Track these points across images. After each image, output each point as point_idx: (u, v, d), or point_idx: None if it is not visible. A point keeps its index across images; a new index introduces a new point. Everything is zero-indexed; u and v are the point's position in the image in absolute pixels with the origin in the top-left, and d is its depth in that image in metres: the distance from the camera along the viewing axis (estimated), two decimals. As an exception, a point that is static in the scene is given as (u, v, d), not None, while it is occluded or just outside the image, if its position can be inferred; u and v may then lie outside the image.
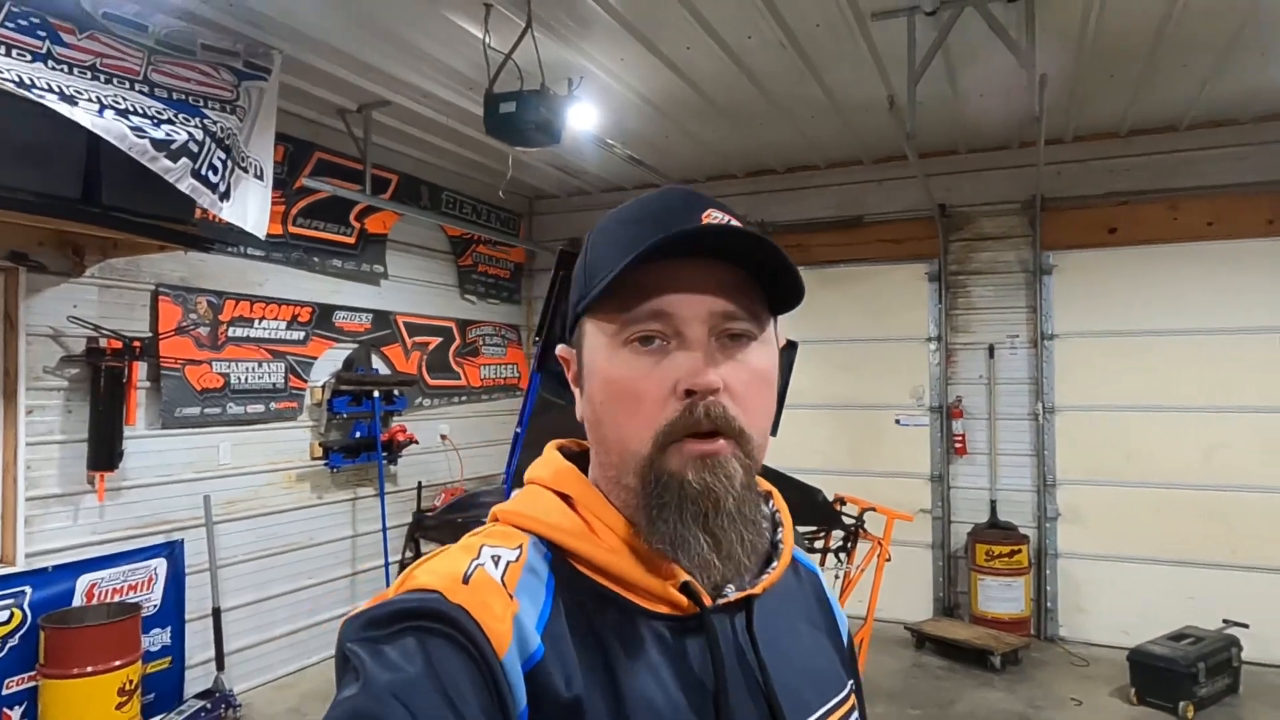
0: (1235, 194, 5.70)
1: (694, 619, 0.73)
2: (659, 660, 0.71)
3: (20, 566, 4.01)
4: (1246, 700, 4.91)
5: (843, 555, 4.80)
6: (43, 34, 3.35)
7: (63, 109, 3.17)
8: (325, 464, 5.61)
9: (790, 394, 3.11)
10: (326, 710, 0.62)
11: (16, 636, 3.88)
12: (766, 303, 0.76)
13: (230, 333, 5.02)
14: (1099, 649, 5.77)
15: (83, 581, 4.19)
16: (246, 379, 5.12)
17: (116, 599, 4.29)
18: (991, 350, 6.33)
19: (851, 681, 0.88)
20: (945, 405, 6.43)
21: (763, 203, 6.81)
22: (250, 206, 4.09)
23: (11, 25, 3.25)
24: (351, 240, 5.95)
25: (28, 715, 3.89)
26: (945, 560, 6.41)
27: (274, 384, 5.31)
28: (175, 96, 3.75)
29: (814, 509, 4.58)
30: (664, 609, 0.73)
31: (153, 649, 4.45)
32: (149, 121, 3.46)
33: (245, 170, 4.06)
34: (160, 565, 4.56)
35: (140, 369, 4.49)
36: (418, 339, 6.57)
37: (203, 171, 3.67)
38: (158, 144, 3.43)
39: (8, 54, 3.21)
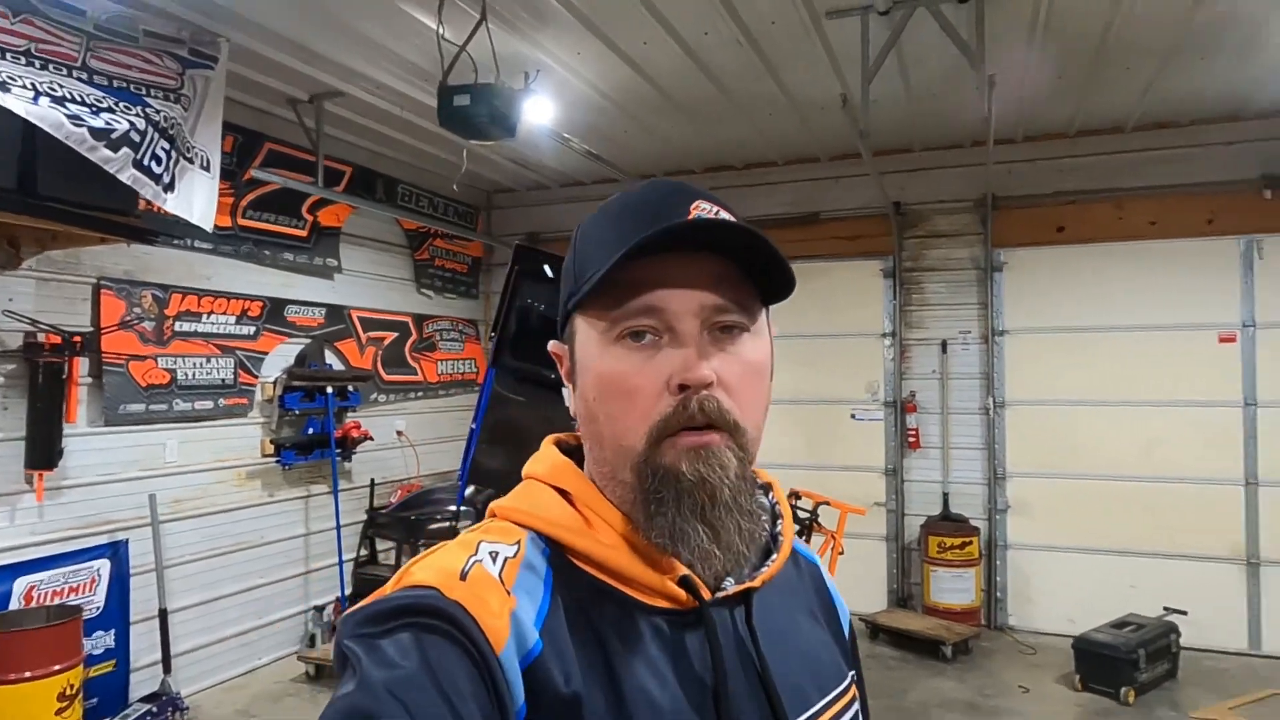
0: (1177, 194, 5.87)
1: (693, 613, 0.73)
2: (658, 655, 0.71)
3: (-47, 569, 3.88)
4: (1184, 685, 5.07)
5: (798, 549, 4.85)
6: (-27, 17, 3.23)
7: (-5, 95, 3.06)
8: (277, 461, 5.50)
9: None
10: (324, 707, 0.61)
11: (-51, 642, 3.75)
12: (758, 294, 0.76)
13: (177, 327, 4.89)
14: (1046, 637, 5.92)
15: (20, 584, 4.06)
16: (194, 375, 5.00)
17: (57, 601, 4.16)
18: (944, 346, 6.44)
19: (853, 673, 0.87)
20: (899, 400, 6.53)
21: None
22: (196, 198, 3.99)
23: (-61, 7, 3.12)
24: (304, 233, 5.84)
25: (-38, 723, 3.76)
26: (899, 552, 6.52)
27: (223, 380, 5.19)
28: (116, 84, 3.63)
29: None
30: (663, 603, 0.73)
31: (95, 652, 4.33)
32: (87, 110, 3.35)
33: (191, 161, 3.96)
34: (103, 566, 4.43)
35: (81, 365, 4.35)
36: (373, 334, 6.48)
37: (145, 162, 3.57)
38: (96, 133, 3.32)
39: (-65, 37, 3.09)
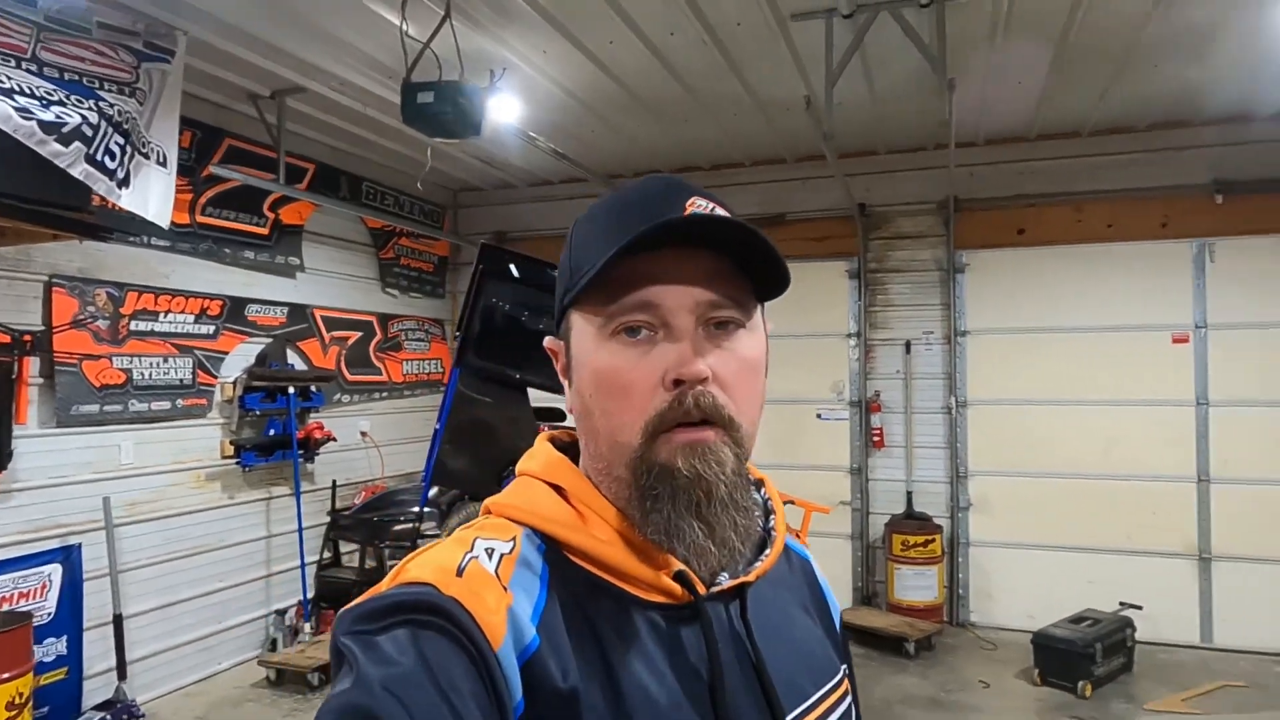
0: (1132, 198, 6.00)
1: (688, 607, 0.73)
2: (655, 649, 0.71)
3: (-104, 576, 3.75)
4: (1139, 678, 5.19)
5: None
6: (-84, 6, 3.13)
7: (-61, 87, 2.97)
8: (237, 463, 5.41)
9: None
10: (320, 705, 0.60)
11: (-109, 650, 3.63)
12: (753, 290, 0.76)
13: (133, 326, 4.79)
14: (1006, 633, 6.01)
15: (-33, 590, 3.95)
16: (151, 375, 4.89)
17: (5, 608, 4.05)
18: (908, 346, 6.52)
19: (845, 667, 0.88)
20: (864, 400, 6.60)
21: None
22: (152, 194, 3.91)
23: (-120, -5, 3.02)
24: (265, 231, 5.75)
25: (-96, 734, 3.65)
26: (864, 550, 6.58)
27: (181, 380, 5.09)
28: (67, 77, 3.54)
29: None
30: (658, 598, 0.73)
31: (46, 659, 4.22)
32: (37, 103, 3.26)
33: (146, 156, 3.87)
34: (55, 571, 4.32)
35: (32, 364, 4.24)
36: (336, 333, 6.40)
37: (98, 157, 3.48)
38: (46, 126, 3.24)
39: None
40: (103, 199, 3.73)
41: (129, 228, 4.61)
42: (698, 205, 0.75)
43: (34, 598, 4.20)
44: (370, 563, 5.97)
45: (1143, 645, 5.36)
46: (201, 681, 5.16)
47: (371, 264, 6.90)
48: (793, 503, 4.84)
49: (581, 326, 0.76)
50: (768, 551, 0.81)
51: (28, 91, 3.28)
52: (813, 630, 0.87)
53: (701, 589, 0.74)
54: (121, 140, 3.63)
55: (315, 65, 4.67)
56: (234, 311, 5.47)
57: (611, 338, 0.73)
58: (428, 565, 0.69)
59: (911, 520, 6.25)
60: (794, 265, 0.76)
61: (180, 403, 5.08)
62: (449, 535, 0.76)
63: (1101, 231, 6.07)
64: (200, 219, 5.23)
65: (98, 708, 4.39)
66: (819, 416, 6.73)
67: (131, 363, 4.78)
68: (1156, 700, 4.87)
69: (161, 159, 3.98)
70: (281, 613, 5.69)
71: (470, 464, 4.51)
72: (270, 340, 5.75)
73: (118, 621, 4.57)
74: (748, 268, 0.75)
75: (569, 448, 0.83)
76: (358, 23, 4.15)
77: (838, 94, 4.44)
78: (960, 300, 6.40)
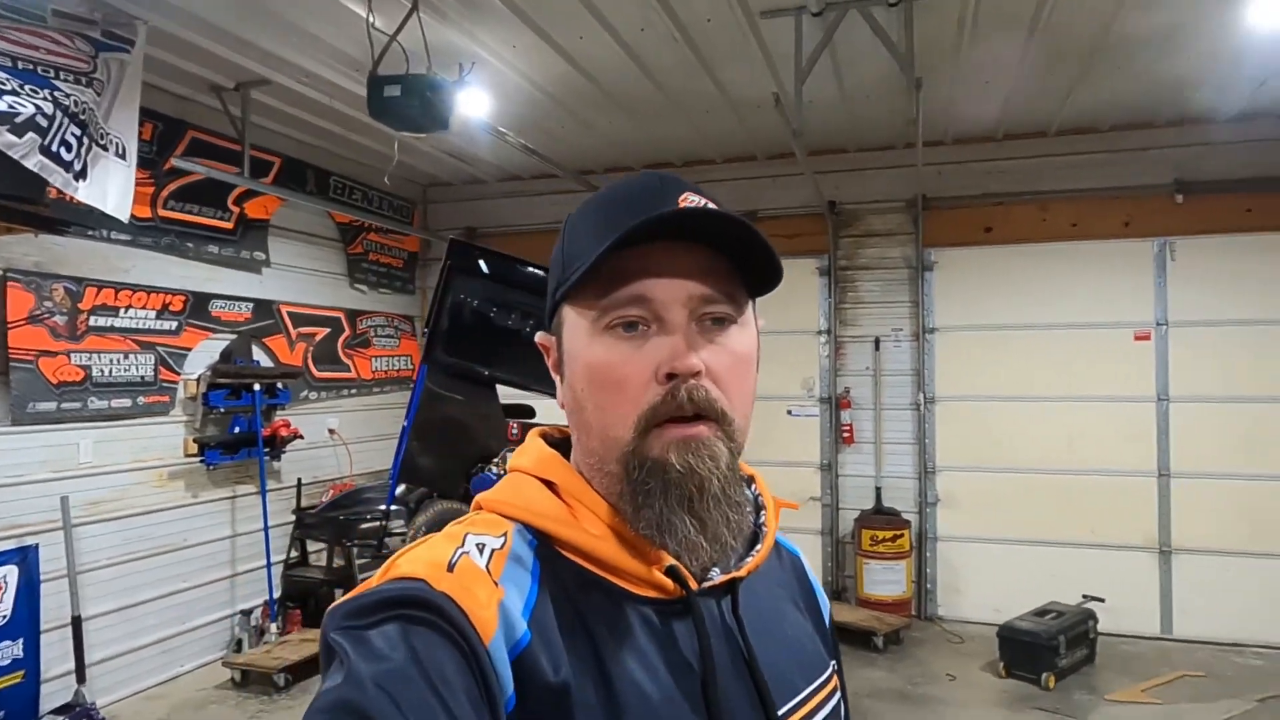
0: (1096, 197, 6.10)
1: (680, 603, 0.73)
2: (647, 644, 0.71)
3: None
4: (1101, 669, 5.28)
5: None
6: None
7: (-116, 74, 2.87)
8: (201, 461, 5.32)
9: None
10: (310, 702, 0.60)
11: None
12: (745, 286, 0.76)
13: (92, 322, 4.68)
14: (973, 626, 6.09)
15: (-82, 593, 3.85)
16: (111, 371, 4.79)
17: (-42, 611, 3.95)
18: (877, 343, 6.57)
19: (834, 662, 0.88)
20: (834, 396, 6.64)
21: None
22: (111, 187, 3.83)
23: None
24: (230, 225, 5.65)
25: None
26: (834, 546, 6.63)
27: (142, 377, 4.99)
28: (21, 66, 3.45)
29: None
30: (650, 593, 0.73)
31: (2, 663, 4.12)
32: (-11, 92, 3.18)
33: (105, 148, 3.79)
34: (10, 573, 4.21)
35: (-15, 361, 4.14)
36: (303, 329, 6.31)
37: (54, 148, 3.40)
38: (-1, 117, 3.15)
39: None
40: (59, 191, 3.65)
41: (87, 221, 4.51)
42: (691, 200, 0.75)
43: (-12, 600, 4.11)
44: (338, 562, 5.90)
45: (1105, 637, 5.46)
46: (164, 684, 5.07)
47: (339, 259, 6.81)
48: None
49: (574, 320, 0.75)
50: (759, 547, 0.82)
51: (-21, 80, 3.19)
52: (803, 626, 0.87)
53: (694, 584, 0.74)
54: (78, 131, 3.55)
55: (280, 57, 4.59)
56: (197, 307, 5.37)
57: (605, 332, 0.73)
58: (419, 560, 0.68)
59: (880, 515, 6.31)
60: (765, 262, 0.76)
61: (142, 400, 4.98)
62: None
63: (1066, 230, 6.16)
64: (162, 213, 5.13)
65: (56, 712, 4.30)
66: (790, 413, 6.77)
67: (91, 359, 4.67)
68: (1117, 691, 4.96)
69: (121, 151, 3.89)
70: (247, 613, 5.61)
71: (438, 461, 4.48)
72: (235, 336, 5.66)
73: (76, 623, 4.48)
74: (740, 263, 0.75)
75: (561, 444, 0.83)
76: (323, 14, 4.09)
77: (808, 92, 4.46)
78: (929, 298, 6.47)
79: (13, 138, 3.20)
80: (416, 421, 4.30)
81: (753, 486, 0.88)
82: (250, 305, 5.81)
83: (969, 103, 5.49)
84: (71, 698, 4.41)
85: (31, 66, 3.49)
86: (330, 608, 0.67)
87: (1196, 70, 4.87)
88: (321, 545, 6.06)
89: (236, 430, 5.55)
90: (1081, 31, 4.40)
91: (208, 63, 4.65)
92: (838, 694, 0.86)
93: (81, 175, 3.59)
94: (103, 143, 3.76)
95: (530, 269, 4.59)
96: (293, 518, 5.97)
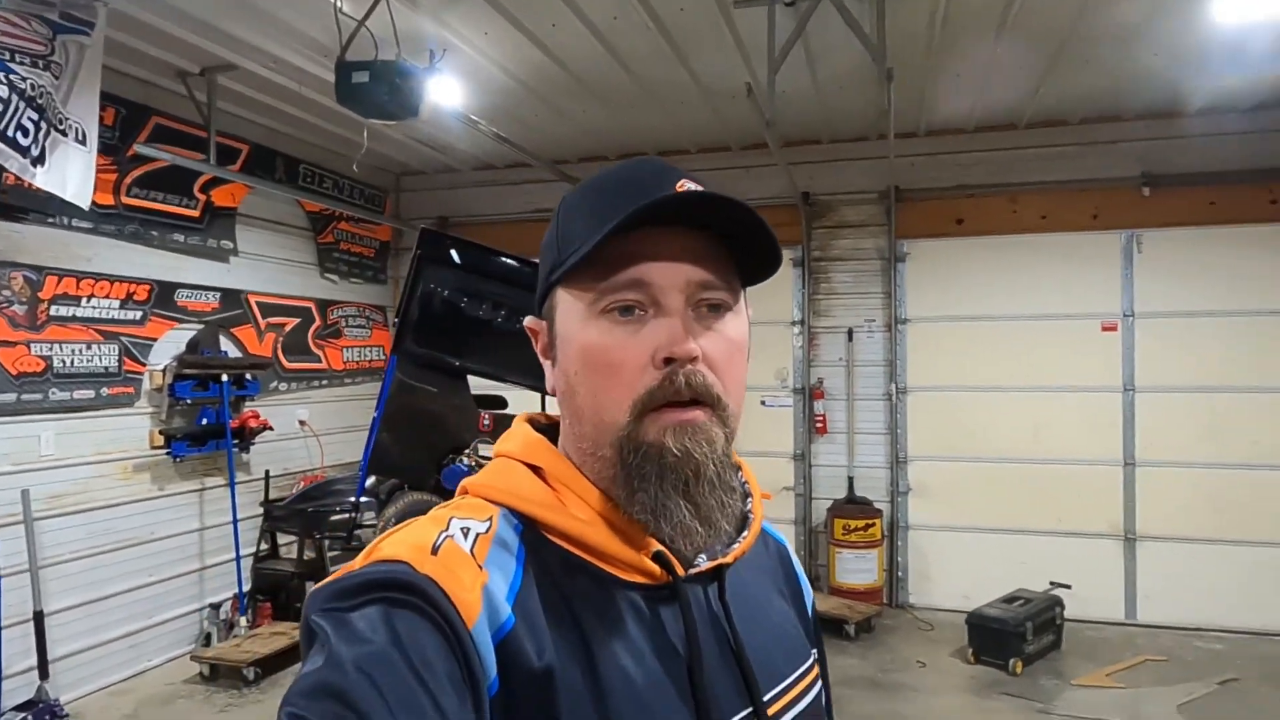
0: (1065, 190, 6.17)
1: (666, 588, 0.73)
2: (633, 629, 0.71)
3: None
4: (1067, 655, 5.37)
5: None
6: None
7: None
8: (167, 453, 5.24)
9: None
10: (291, 684, 0.59)
11: None
12: (739, 274, 0.77)
13: (53, 312, 4.58)
14: (943, 613, 6.17)
15: (-128, 589, 3.75)
16: (73, 362, 4.70)
17: (-85, 607, 3.86)
18: (850, 334, 6.61)
19: (815, 651, 0.89)
20: (807, 387, 6.68)
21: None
22: (70, 173, 3.74)
23: None
24: (196, 213, 5.55)
25: None
26: (807, 535, 6.68)
27: (106, 367, 4.89)
28: (-26, 47, 3.36)
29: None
30: (637, 578, 0.73)
31: (-39, 660, 4.04)
32: (-60, 74, 3.08)
33: (64, 133, 3.70)
34: (-31, 567, 4.13)
35: (-59, 351, 4.04)
36: (272, 319, 6.22)
37: (9, 133, 3.32)
38: (-49, 100, 3.06)
39: None
40: (16, 178, 3.56)
41: (47, 208, 4.41)
42: (686, 187, 0.74)
43: (-54, 595, 4.02)
44: (308, 554, 5.84)
45: (1071, 623, 5.55)
46: (130, 679, 4.99)
47: (309, 248, 6.72)
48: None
49: (569, 304, 0.75)
50: (745, 534, 0.82)
51: (-70, 62, 3.10)
52: (787, 613, 0.88)
53: (680, 570, 0.74)
54: (35, 116, 3.46)
55: (247, 42, 4.51)
56: (163, 296, 5.28)
57: (601, 315, 0.72)
58: (402, 544, 0.67)
59: (853, 505, 6.36)
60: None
61: (105, 391, 4.89)
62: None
63: (1036, 222, 6.23)
64: (126, 200, 5.02)
65: (18, 708, 4.22)
66: (763, 403, 6.79)
67: (52, 350, 4.58)
68: (1083, 675, 5.05)
69: (80, 136, 3.80)
70: (216, 606, 5.54)
71: (409, 452, 4.44)
72: (202, 326, 5.57)
73: (38, 618, 4.39)
74: (738, 250, 0.75)
75: (548, 430, 0.82)
76: (290, -2, 4.02)
77: (781, 82, 4.45)
78: (901, 289, 6.51)
79: (-34, 122, 3.11)
80: (387, 412, 4.25)
81: (739, 474, 0.88)
82: (218, 295, 5.71)
83: (941, 95, 5.52)
84: (34, 694, 4.33)
85: (-15, 48, 3.40)
86: (313, 590, 0.66)
87: (1163, 64, 4.93)
88: (292, 538, 6.00)
89: (204, 422, 5.47)
90: (1051, 25, 4.43)
91: (172, 47, 4.55)
92: (819, 682, 0.87)
93: (39, 161, 3.51)
94: (61, 128, 3.68)
95: (503, 259, 4.55)
96: (262, 510, 5.90)
